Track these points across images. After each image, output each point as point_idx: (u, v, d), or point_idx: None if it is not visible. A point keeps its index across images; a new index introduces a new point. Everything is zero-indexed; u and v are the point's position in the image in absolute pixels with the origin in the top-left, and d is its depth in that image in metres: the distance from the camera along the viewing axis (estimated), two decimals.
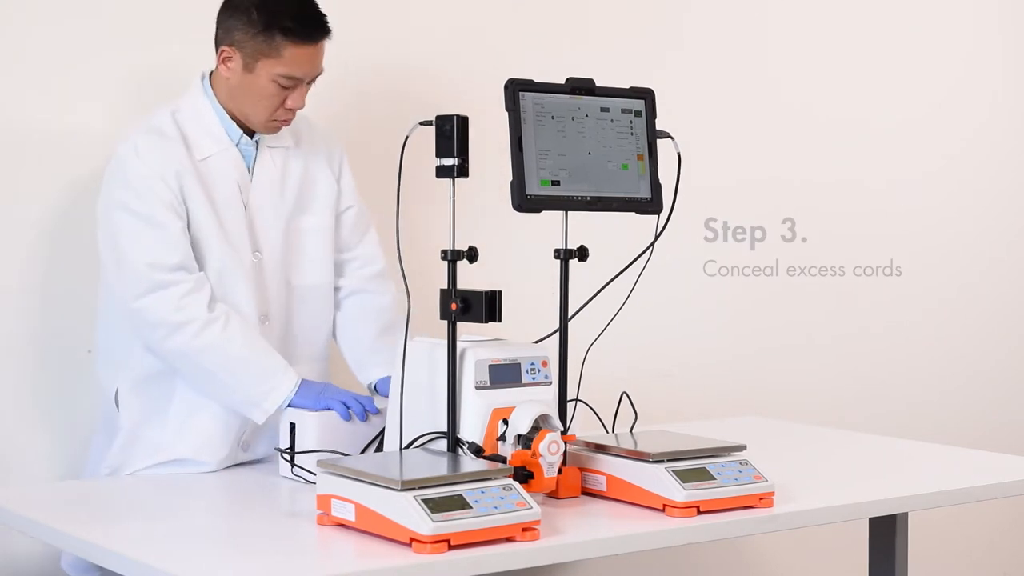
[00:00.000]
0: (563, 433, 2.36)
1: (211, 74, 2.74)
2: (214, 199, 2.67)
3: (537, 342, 2.50)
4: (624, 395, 2.66)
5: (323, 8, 2.71)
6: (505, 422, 2.33)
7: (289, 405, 2.61)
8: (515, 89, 2.35)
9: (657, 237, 2.50)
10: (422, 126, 2.48)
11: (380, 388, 2.84)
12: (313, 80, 2.71)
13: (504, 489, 2.13)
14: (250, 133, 2.75)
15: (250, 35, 2.63)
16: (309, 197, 2.82)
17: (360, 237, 2.92)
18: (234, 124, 2.72)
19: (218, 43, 2.69)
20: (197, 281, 2.61)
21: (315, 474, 2.31)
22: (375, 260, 2.93)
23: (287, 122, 2.72)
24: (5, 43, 2.90)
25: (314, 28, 2.65)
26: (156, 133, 2.65)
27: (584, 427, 2.66)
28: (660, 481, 2.32)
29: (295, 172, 2.80)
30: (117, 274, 2.64)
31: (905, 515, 2.97)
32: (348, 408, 2.59)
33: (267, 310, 2.75)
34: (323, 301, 2.86)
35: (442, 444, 2.35)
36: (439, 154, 2.34)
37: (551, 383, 2.43)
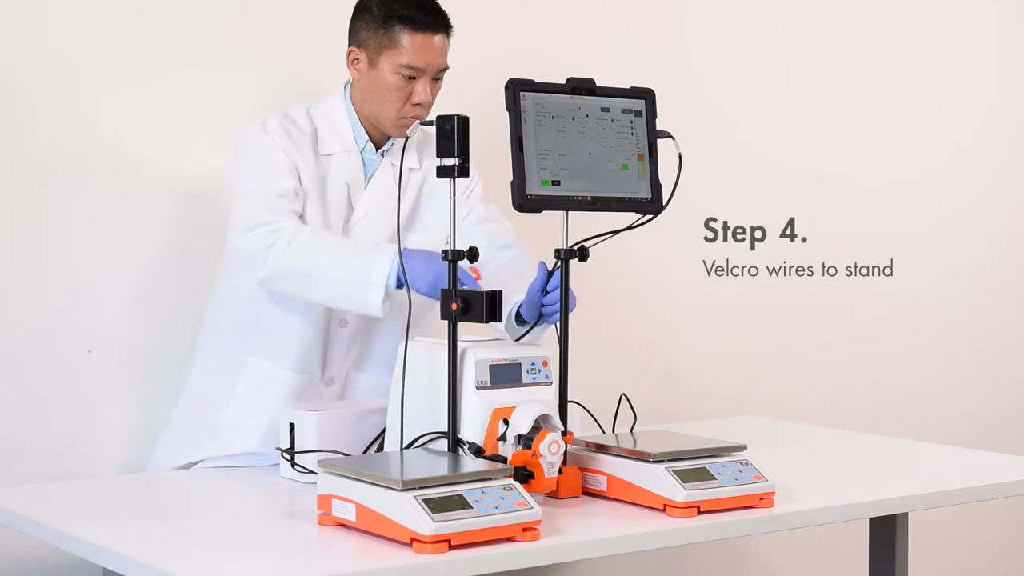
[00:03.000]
0: (563, 433, 2.36)
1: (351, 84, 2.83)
2: (326, 195, 2.74)
3: (518, 339, 2.49)
4: (623, 397, 2.67)
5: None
6: (506, 422, 2.33)
7: (401, 285, 2.54)
8: (515, 89, 2.35)
9: (647, 220, 2.48)
10: (423, 126, 2.49)
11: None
12: (438, 77, 2.74)
13: (504, 489, 2.13)
14: (377, 144, 2.80)
15: (372, 31, 2.72)
16: (421, 217, 2.85)
17: (499, 249, 2.84)
18: (363, 131, 2.79)
19: (348, 46, 2.77)
20: (295, 222, 2.66)
21: (315, 474, 2.31)
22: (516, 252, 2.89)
23: (417, 119, 2.68)
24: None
25: (432, 18, 2.71)
26: (288, 120, 2.75)
27: (583, 429, 2.67)
28: (660, 481, 2.32)
29: (412, 190, 2.85)
30: (231, 227, 2.71)
31: (905, 515, 2.98)
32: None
33: (345, 315, 2.79)
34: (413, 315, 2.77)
35: (442, 444, 2.35)
36: (439, 154, 2.34)
37: (551, 383, 2.43)
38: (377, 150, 2.82)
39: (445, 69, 2.75)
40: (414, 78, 2.71)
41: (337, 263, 2.60)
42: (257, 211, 2.65)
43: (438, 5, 2.75)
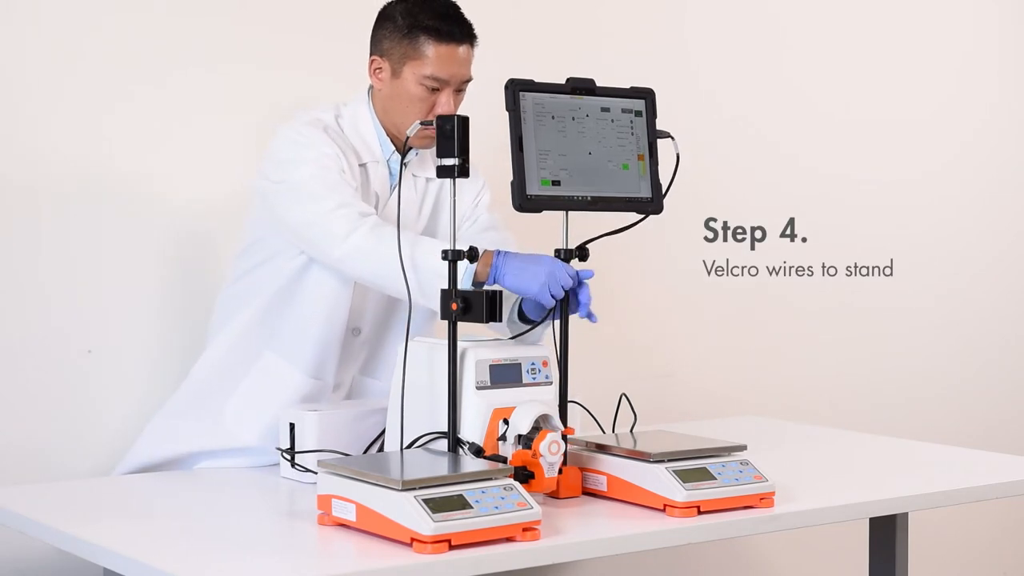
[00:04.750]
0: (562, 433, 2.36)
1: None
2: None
3: (515, 336, 2.48)
4: (623, 397, 2.67)
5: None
6: (506, 422, 2.33)
7: (478, 284, 2.44)
8: (515, 89, 2.35)
9: (641, 219, 2.48)
10: (422, 126, 2.49)
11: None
12: (462, 88, 2.71)
13: (505, 489, 2.13)
14: (401, 153, 2.76)
15: (396, 40, 2.68)
16: (440, 225, 2.83)
17: None
18: (388, 140, 2.76)
19: (370, 56, 2.74)
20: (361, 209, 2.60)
21: (315, 473, 2.31)
22: None
23: (430, 135, 2.64)
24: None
25: (457, 28, 2.67)
26: (319, 127, 2.69)
27: (583, 429, 2.67)
28: (660, 481, 2.32)
29: (431, 200, 2.84)
30: (292, 208, 2.62)
31: (905, 515, 2.98)
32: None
33: (360, 324, 2.79)
34: (421, 320, 2.68)
35: (443, 444, 2.35)
36: (440, 154, 2.34)
37: (551, 383, 2.43)
38: (403, 159, 2.77)
39: (469, 80, 2.71)
40: (437, 89, 2.67)
41: (420, 257, 2.48)
42: (335, 193, 2.58)
43: (463, 15, 2.71)
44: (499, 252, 2.46)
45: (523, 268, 2.43)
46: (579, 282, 2.43)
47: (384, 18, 2.72)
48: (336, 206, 2.57)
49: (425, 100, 2.68)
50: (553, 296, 2.40)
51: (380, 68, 2.72)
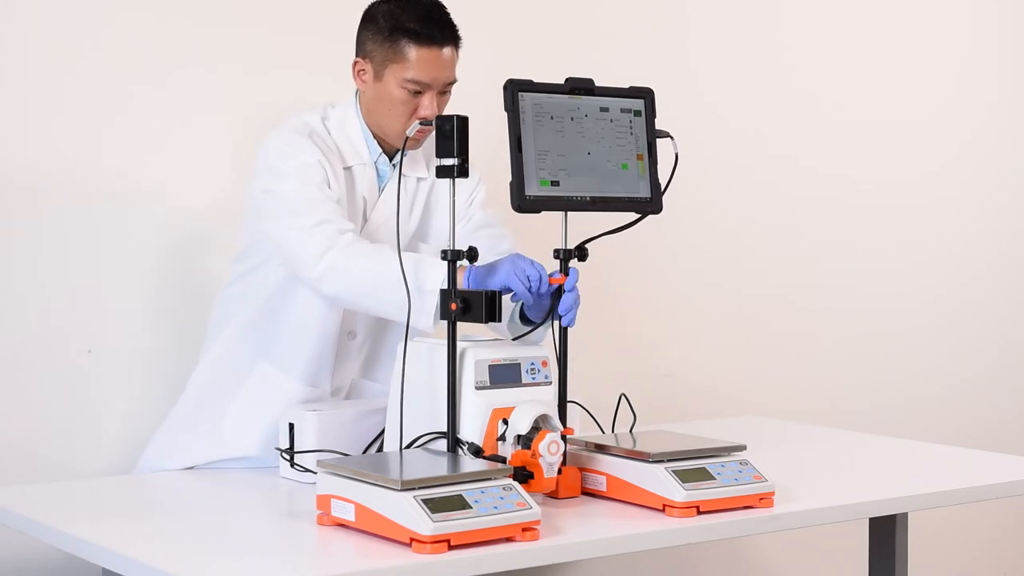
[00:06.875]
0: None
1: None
2: (347, 208, 2.69)
3: (516, 338, 2.48)
4: (623, 397, 2.67)
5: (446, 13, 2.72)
6: (505, 422, 2.34)
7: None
8: (514, 89, 2.35)
9: (639, 219, 2.48)
10: (422, 125, 2.49)
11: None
12: (446, 91, 2.68)
13: (504, 489, 2.13)
14: (390, 155, 2.75)
15: (378, 43, 2.65)
16: (432, 225, 2.82)
17: (497, 255, 2.69)
18: (375, 142, 2.75)
19: (354, 57, 2.72)
20: (352, 226, 2.60)
21: (315, 473, 2.31)
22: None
23: (424, 133, 2.67)
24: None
25: (438, 31, 2.64)
26: (305, 134, 2.67)
27: (583, 429, 2.67)
28: (660, 481, 2.32)
29: (421, 200, 2.82)
30: (272, 225, 2.62)
31: (905, 515, 2.98)
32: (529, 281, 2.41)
33: (354, 328, 2.78)
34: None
35: (442, 444, 2.35)
36: (439, 154, 2.34)
37: (551, 383, 2.43)
38: (390, 161, 2.76)
39: (453, 83, 2.68)
40: (420, 92, 2.65)
41: (395, 270, 2.43)
42: (315, 209, 2.57)
43: (447, 16, 2.68)
44: (470, 266, 2.44)
45: (489, 267, 2.43)
46: (559, 290, 2.43)
47: (367, 19, 2.70)
48: (315, 223, 2.56)
49: (408, 103, 2.66)
50: (521, 283, 2.39)
51: (363, 70, 2.69)
